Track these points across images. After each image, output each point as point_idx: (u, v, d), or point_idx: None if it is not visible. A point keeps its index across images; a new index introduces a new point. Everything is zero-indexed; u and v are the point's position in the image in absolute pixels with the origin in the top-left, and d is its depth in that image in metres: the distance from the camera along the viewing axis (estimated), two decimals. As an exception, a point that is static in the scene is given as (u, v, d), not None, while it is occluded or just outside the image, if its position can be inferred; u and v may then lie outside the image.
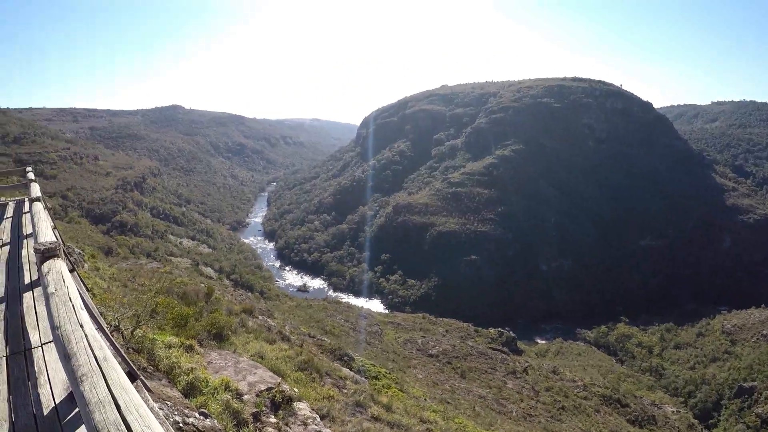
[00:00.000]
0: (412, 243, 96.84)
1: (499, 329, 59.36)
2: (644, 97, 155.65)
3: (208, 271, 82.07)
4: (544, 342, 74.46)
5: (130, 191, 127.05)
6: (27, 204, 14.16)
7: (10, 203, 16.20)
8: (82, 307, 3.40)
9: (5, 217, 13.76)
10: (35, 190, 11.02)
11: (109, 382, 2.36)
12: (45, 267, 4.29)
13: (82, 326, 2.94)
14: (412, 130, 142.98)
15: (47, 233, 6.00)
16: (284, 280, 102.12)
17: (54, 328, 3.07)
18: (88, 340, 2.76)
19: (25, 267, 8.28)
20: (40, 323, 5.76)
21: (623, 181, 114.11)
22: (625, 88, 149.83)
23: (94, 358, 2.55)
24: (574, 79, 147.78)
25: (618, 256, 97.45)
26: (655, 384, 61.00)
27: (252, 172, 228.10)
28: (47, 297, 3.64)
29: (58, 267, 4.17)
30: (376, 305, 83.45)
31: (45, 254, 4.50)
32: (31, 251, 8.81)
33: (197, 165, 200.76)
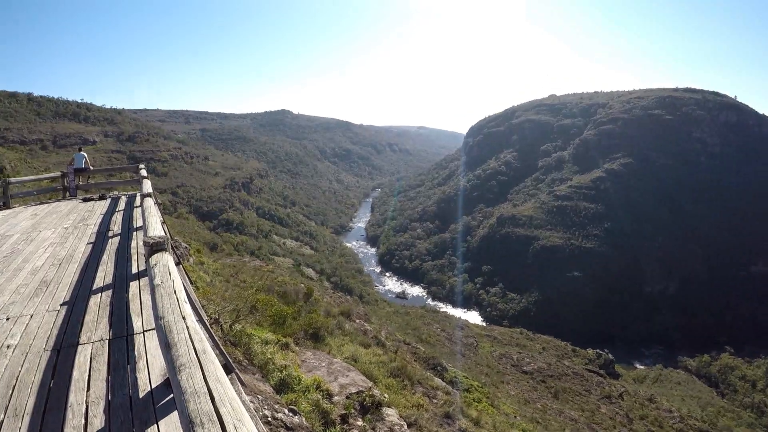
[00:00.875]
0: (515, 256, 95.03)
1: (598, 350, 57.40)
2: (761, 110, 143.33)
3: (309, 272, 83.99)
4: (642, 367, 70.56)
5: (238, 191, 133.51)
6: (138, 198, 14.89)
7: (123, 197, 17.28)
8: (186, 300, 3.55)
9: (117, 210, 14.47)
10: (147, 186, 11.44)
11: (206, 373, 2.47)
12: (153, 259, 4.53)
13: (184, 318, 3.10)
14: (518, 141, 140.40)
15: (156, 227, 6.39)
16: (384, 286, 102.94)
17: (157, 317, 3.24)
18: (189, 332, 2.90)
19: (133, 258, 8.72)
20: (143, 311, 6.09)
21: (736, 201, 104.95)
22: (740, 99, 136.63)
23: (193, 350, 2.70)
24: (686, 90, 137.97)
25: (726, 282, 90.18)
26: (756, 422, 55.93)
27: (357, 177, 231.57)
28: (153, 288, 3.85)
29: (165, 260, 4.39)
30: (473, 317, 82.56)
31: (153, 247, 4.77)
32: (140, 243, 9.40)
33: (304, 168, 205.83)
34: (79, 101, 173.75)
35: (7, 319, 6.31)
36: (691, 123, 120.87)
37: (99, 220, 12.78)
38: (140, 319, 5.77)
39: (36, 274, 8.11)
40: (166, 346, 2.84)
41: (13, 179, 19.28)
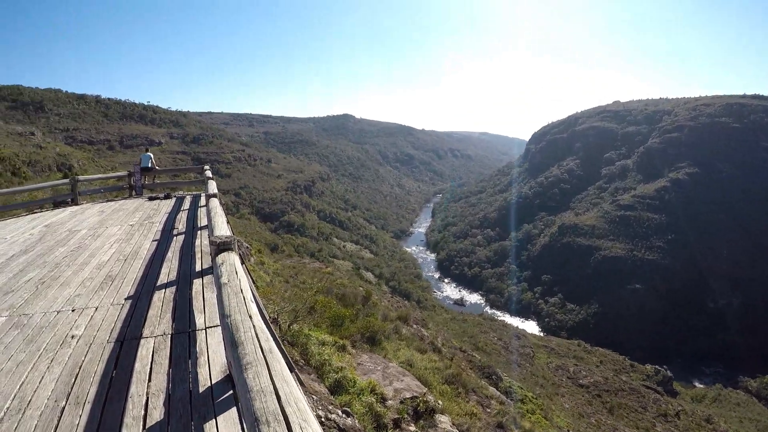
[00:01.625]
0: (575, 266, 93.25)
1: (656, 366, 55.94)
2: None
3: (368, 275, 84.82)
4: (702, 386, 66.76)
5: (300, 193, 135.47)
6: (203, 198, 15.51)
7: (187, 197, 17.92)
8: (252, 299, 3.57)
9: (182, 209, 14.92)
10: (212, 186, 11.54)
11: (273, 372, 2.47)
12: (219, 259, 4.59)
13: (250, 317, 3.09)
14: (581, 148, 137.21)
15: (223, 227, 6.46)
16: (442, 292, 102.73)
17: (224, 315, 3.23)
18: (255, 331, 2.90)
19: (197, 256, 8.94)
20: (206, 308, 6.22)
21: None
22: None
23: (260, 349, 2.71)
24: (754, 97, 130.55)
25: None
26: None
27: (419, 182, 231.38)
28: (219, 286, 3.88)
29: (232, 260, 4.44)
30: (531, 326, 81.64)
31: (220, 247, 4.84)
32: (204, 242, 9.82)
33: (365, 173, 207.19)
34: (146, 104, 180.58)
35: (73, 311, 6.64)
36: (759, 131, 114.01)
37: (164, 219, 13.27)
38: (203, 316, 6.00)
39: (102, 268, 8.52)
40: (232, 344, 2.91)
41: (81, 177, 20.28)
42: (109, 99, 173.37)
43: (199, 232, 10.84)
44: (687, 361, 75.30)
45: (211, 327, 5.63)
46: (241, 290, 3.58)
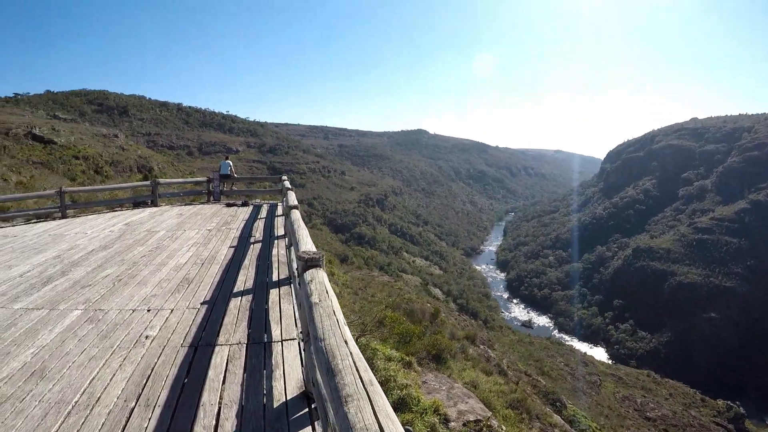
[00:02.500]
0: (649, 291, 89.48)
1: (728, 402, 53.37)
2: None
3: (436, 292, 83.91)
4: None
5: (372, 207, 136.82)
6: (280, 208, 16.54)
7: (264, 205, 18.57)
8: (345, 322, 3.35)
9: (259, 217, 15.38)
10: (292, 197, 11.19)
11: (376, 409, 2.27)
12: (308, 275, 4.33)
13: (346, 342, 2.88)
14: (658, 167, 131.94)
15: (308, 241, 6.06)
16: (510, 313, 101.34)
17: (317, 339, 3.06)
18: (353, 359, 2.69)
19: (274, 265, 9.05)
20: (282, 320, 6.24)
21: None
22: None
23: (359, 380, 2.51)
24: None
25: None
26: None
27: (491, 200, 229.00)
28: (310, 306, 3.64)
29: (321, 277, 4.21)
30: (599, 353, 79.03)
31: (308, 263, 4.62)
32: (281, 251, 10.10)
33: (438, 188, 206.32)
34: (225, 113, 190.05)
35: (148, 311, 6.76)
36: None
37: (241, 226, 13.54)
38: (279, 328, 6.00)
39: (179, 270, 8.71)
40: (328, 372, 2.70)
41: (162, 180, 21.36)
42: (189, 107, 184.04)
43: (276, 241, 11.06)
44: (763, 397, 70.41)
45: (287, 340, 5.64)
46: (334, 312, 3.40)
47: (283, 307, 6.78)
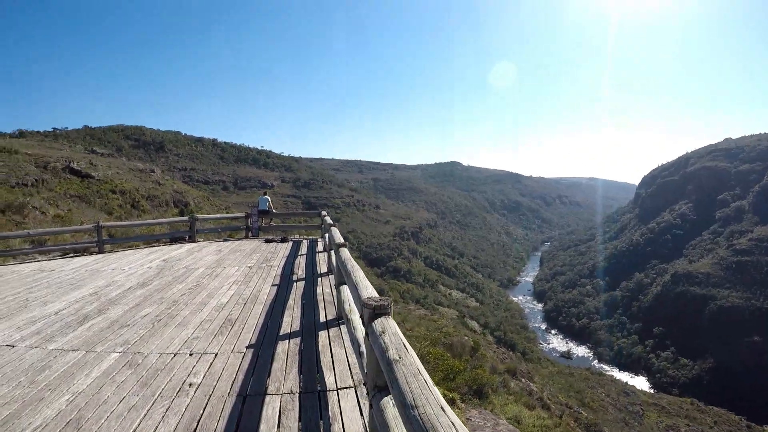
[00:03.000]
0: (689, 317, 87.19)
1: None
2: None
3: (473, 324, 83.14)
4: None
5: (407, 240, 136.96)
6: (320, 244, 16.82)
7: (304, 241, 18.40)
8: (432, 382, 2.92)
9: (300, 253, 15.29)
10: (338, 235, 10.44)
11: None
12: (378, 326, 3.96)
13: (443, 410, 2.48)
14: (694, 191, 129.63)
15: (368, 285, 5.43)
16: (548, 344, 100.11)
17: (407, 406, 2.65)
18: (456, 428, 2.30)
19: (320, 305, 8.66)
20: (335, 366, 5.85)
21: None
22: None
23: None
24: None
25: None
26: None
27: (526, 230, 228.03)
28: (389, 363, 3.29)
29: (393, 328, 3.82)
30: (641, 382, 76.80)
31: (376, 311, 4.24)
32: (326, 290, 9.75)
33: (473, 220, 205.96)
34: (260, 148, 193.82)
35: (191, 355, 6.36)
36: None
37: (282, 263, 13.29)
38: (332, 374, 5.62)
39: (220, 310, 8.38)
40: None
41: (200, 215, 21.07)
42: (225, 142, 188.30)
43: (319, 279, 10.77)
44: (810, 424, 67.98)
45: (343, 388, 5.29)
46: (419, 371, 2.96)
47: (334, 352, 6.40)
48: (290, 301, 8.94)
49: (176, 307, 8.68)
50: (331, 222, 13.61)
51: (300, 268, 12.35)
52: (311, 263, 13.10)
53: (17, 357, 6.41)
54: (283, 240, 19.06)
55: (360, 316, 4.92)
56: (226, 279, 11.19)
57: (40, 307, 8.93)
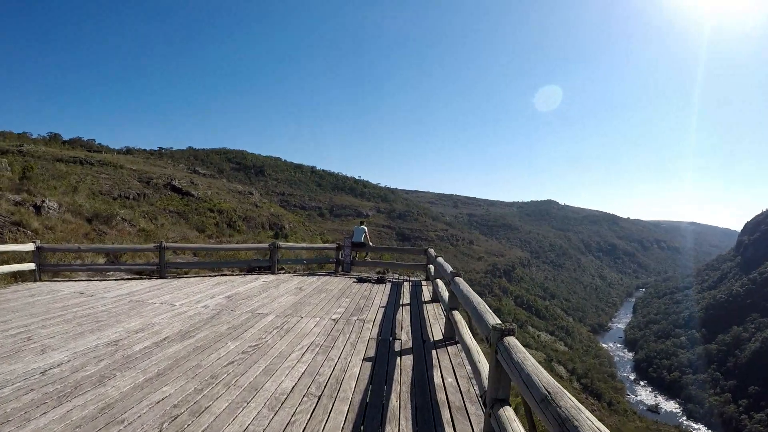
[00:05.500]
0: None
1: None
2: None
3: (560, 369, 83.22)
4: None
5: (499, 277, 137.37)
6: (426, 289, 14.42)
7: (405, 284, 15.64)
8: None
9: (401, 302, 12.29)
10: (447, 266, 9.84)
11: None
12: (508, 341, 3.71)
13: (579, 410, 2.31)
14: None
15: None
16: (636, 396, 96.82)
17: (546, 398, 2.52)
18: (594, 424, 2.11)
19: (443, 409, 5.49)
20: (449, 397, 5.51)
21: None
22: None
23: None
24: None
25: None
26: None
27: (621, 274, 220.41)
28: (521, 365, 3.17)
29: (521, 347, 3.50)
30: None
31: (504, 333, 4.02)
32: (448, 379, 6.36)
33: (566, 261, 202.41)
34: (357, 178, 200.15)
35: None
36: None
37: (379, 317, 10.23)
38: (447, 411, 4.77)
39: (277, 408, 5.14)
40: None
41: (282, 243, 18.18)
42: (323, 170, 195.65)
43: (435, 353, 7.49)
44: None
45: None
46: (578, 408, 2.46)
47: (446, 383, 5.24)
48: (393, 400, 5.50)
49: (210, 391, 5.59)
50: (442, 263, 11.01)
51: (403, 329, 9.16)
52: (417, 319, 10.10)
53: None
54: (380, 280, 16.16)
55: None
56: (300, 339, 8.13)
57: (34, 354, 6.84)
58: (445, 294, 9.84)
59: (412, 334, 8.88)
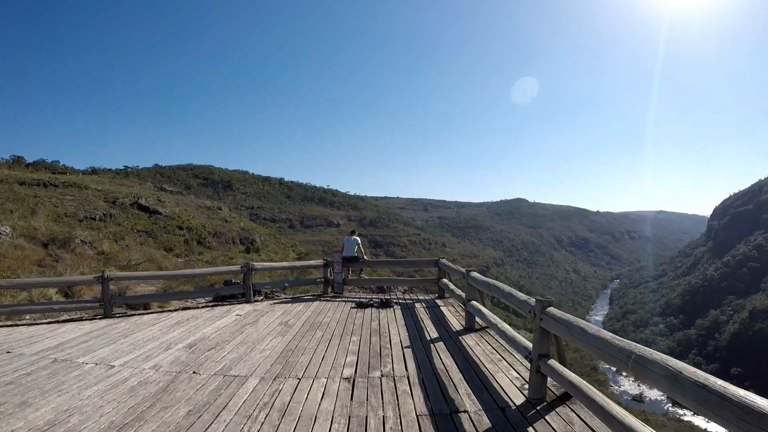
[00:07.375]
0: None
1: None
2: None
3: None
4: None
5: None
6: (448, 312, 11.42)
7: (418, 306, 12.25)
8: None
9: (426, 337, 9.08)
10: (456, 266, 9.48)
11: None
12: (551, 310, 4.03)
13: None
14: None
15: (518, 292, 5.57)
16: (619, 386, 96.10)
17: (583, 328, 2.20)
18: None
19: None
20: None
21: None
22: None
23: None
24: None
25: None
26: None
27: (595, 267, 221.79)
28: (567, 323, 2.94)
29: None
30: (717, 426, 73.06)
31: (544, 304, 4.69)
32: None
33: (540, 258, 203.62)
34: (326, 187, 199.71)
35: None
36: None
37: (412, 368, 6.89)
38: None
39: None
40: None
41: (258, 264, 14.23)
42: (291, 181, 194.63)
43: (485, 416, 4.95)
44: None
45: None
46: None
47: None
48: None
49: None
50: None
51: (457, 386, 5.92)
52: (469, 367, 6.83)
53: None
54: (384, 304, 12.54)
55: (530, 311, 5.49)
56: (307, 430, 4.70)
57: None
58: (513, 334, 7.04)
59: (475, 394, 5.57)
